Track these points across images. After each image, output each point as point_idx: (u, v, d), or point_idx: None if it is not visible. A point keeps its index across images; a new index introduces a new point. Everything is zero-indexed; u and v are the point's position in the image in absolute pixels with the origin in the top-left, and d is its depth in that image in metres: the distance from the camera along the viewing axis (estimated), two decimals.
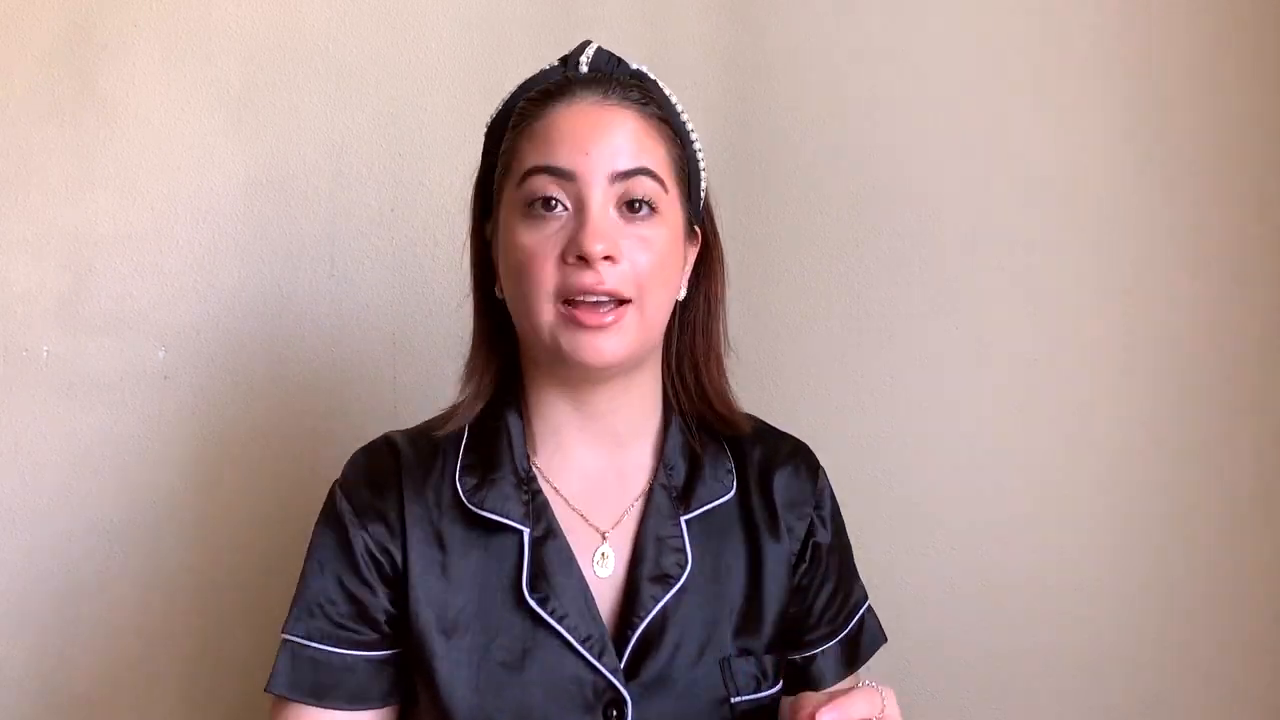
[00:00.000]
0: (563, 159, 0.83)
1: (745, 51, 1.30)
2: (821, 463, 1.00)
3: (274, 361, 1.30)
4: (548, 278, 0.82)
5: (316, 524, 0.90)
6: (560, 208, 0.83)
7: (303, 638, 0.87)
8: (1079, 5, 1.28)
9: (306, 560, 0.89)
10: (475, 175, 0.93)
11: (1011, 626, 1.28)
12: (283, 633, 0.87)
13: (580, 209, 0.82)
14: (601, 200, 0.82)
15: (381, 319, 1.31)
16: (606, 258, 0.81)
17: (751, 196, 1.30)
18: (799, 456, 0.97)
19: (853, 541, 1.04)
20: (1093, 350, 1.28)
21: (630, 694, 0.84)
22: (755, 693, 0.88)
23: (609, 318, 0.82)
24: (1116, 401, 1.28)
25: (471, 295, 0.94)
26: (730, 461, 0.94)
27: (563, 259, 0.82)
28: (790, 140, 1.30)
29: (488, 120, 0.92)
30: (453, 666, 0.84)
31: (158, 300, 1.29)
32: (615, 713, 0.84)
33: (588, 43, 0.89)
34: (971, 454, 1.29)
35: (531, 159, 0.84)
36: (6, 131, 1.29)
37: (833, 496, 0.98)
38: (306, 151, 1.30)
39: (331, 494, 0.90)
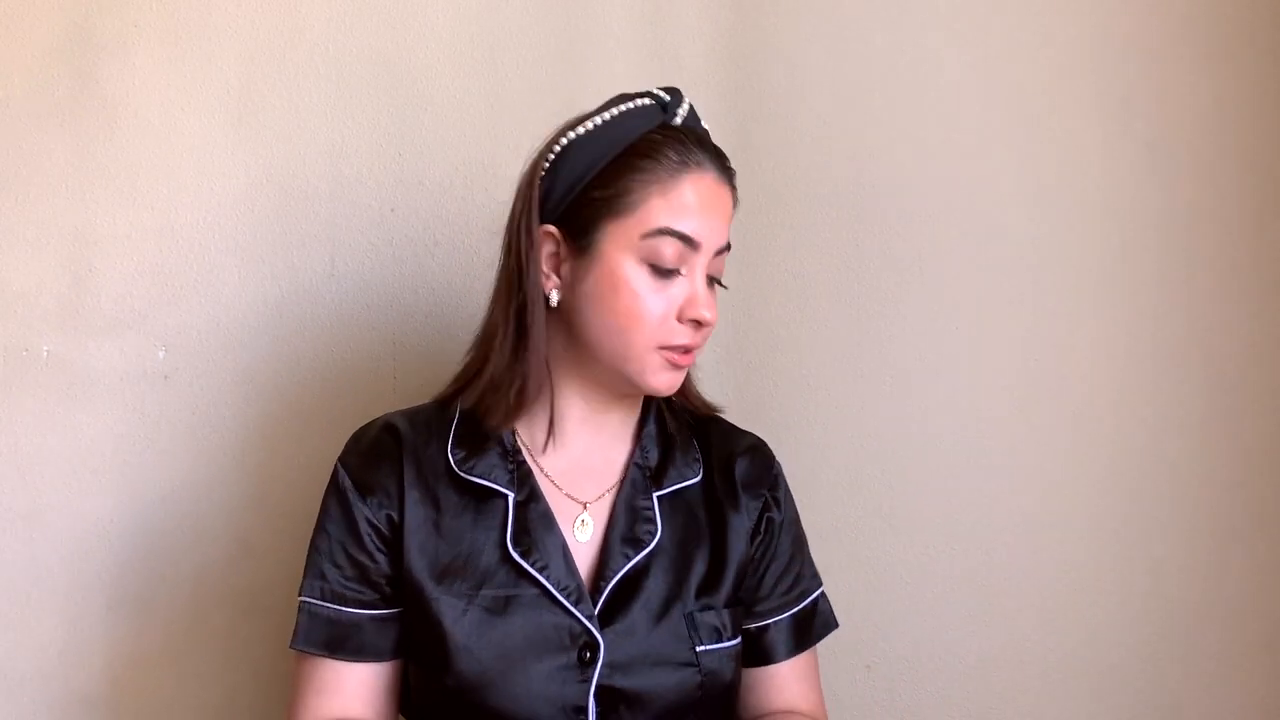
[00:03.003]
0: (693, 229, 0.93)
1: (746, 53, 1.30)
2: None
3: (274, 361, 1.30)
4: (658, 328, 0.93)
5: (324, 497, 1.00)
6: (680, 273, 0.94)
7: (316, 599, 0.97)
8: (1079, 6, 1.28)
9: (315, 531, 0.99)
10: (540, 175, 0.96)
11: (1012, 627, 1.28)
12: (299, 596, 0.98)
13: (695, 277, 0.94)
14: (706, 270, 0.95)
15: (381, 319, 1.31)
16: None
17: (751, 197, 1.29)
18: (758, 448, 1.08)
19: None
20: (1093, 350, 1.28)
21: (604, 638, 0.93)
22: (716, 643, 0.97)
23: (688, 358, 0.96)
24: (1117, 402, 1.28)
25: (506, 287, 0.97)
26: (698, 451, 1.04)
27: (677, 318, 0.94)
28: (790, 141, 1.30)
29: (573, 135, 0.95)
30: (445, 608, 0.93)
31: (158, 300, 1.30)
32: (589, 654, 0.93)
33: (679, 94, 0.98)
34: (971, 454, 1.29)
35: (665, 218, 0.92)
36: (6, 131, 1.29)
37: (786, 485, 1.08)
38: (306, 151, 1.30)
39: (335, 470, 1.00)
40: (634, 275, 0.93)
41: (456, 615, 0.93)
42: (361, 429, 1.03)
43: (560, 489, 0.99)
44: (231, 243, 1.30)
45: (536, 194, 0.97)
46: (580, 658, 0.93)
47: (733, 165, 1.00)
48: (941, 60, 1.29)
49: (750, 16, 1.30)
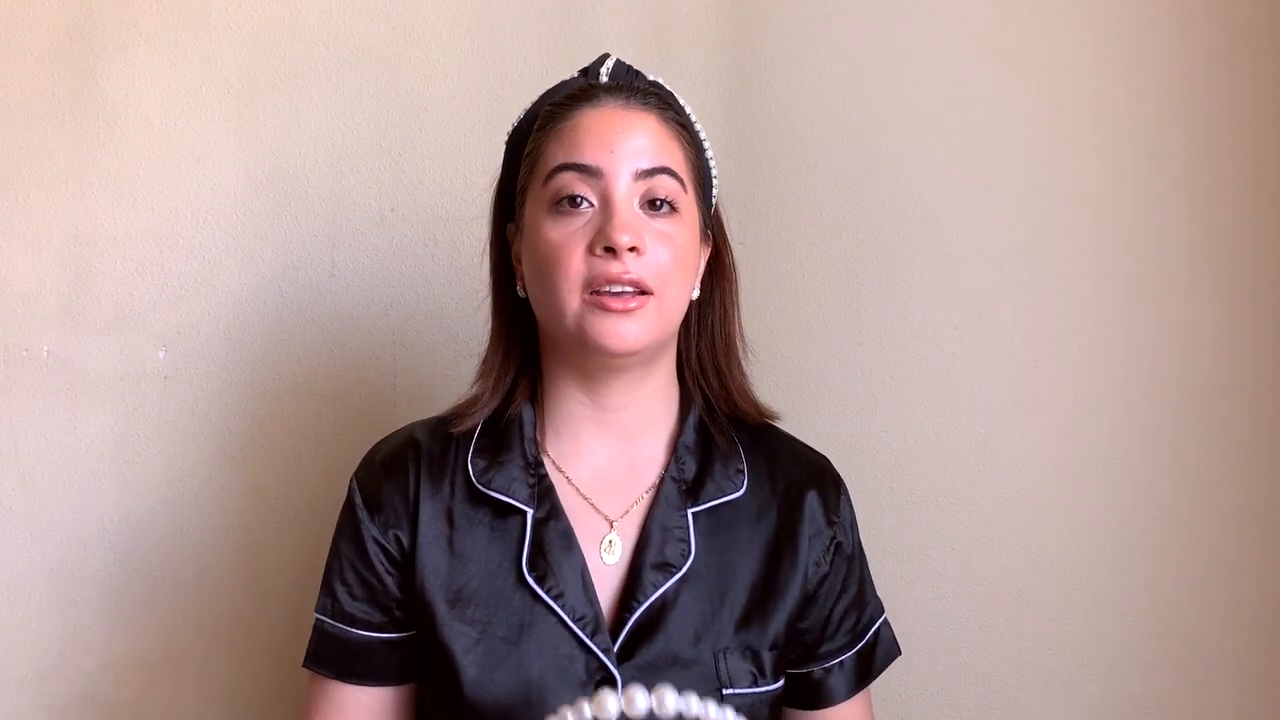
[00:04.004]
0: (589, 156, 0.87)
1: (746, 54, 1.30)
2: None
3: (274, 361, 1.30)
4: (575, 269, 0.86)
5: (337, 524, 0.96)
6: (586, 204, 0.87)
7: (327, 617, 0.93)
8: (1081, 6, 1.28)
9: (331, 546, 0.95)
10: (495, 182, 0.98)
11: (1013, 627, 1.28)
12: (314, 611, 0.94)
13: (606, 204, 0.87)
14: (626, 195, 0.87)
15: (381, 319, 1.31)
16: (632, 249, 0.85)
17: (751, 198, 1.30)
18: (826, 471, 1.00)
19: None
20: (1095, 349, 1.28)
21: (622, 675, 0.86)
22: (750, 687, 0.89)
23: (632, 304, 0.86)
24: (1118, 403, 1.28)
25: (491, 295, 0.99)
26: (742, 462, 0.96)
27: (590, 251, 0.86)
28: (791, 141, 1.30)
29: (508, 130, 0.96)
30: (456, 636, 0.88)
31: (158, 300, 1.29)
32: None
33: (607, 55, 0.95)
34: (973, 455, 1.29)
35: (559, 157, 0.88)
36: (6, 131, 1.29)
37: (851, 506, 1.01)
38: (306, 151, 1.30)
39: (349, 485, 0.95)
40: (545, 223, 0.88)
41: (469, 645, 0.87)
42: (381, 441, 0.98)
43: (587, 500, 0.93)
44: (231, 243, 1.30)
45: (494, 197, 0.98)
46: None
47: (668, 91, 0.94)
48: (943, 60, 1.29)
49: (750, 16, 1.30)
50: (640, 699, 0.62)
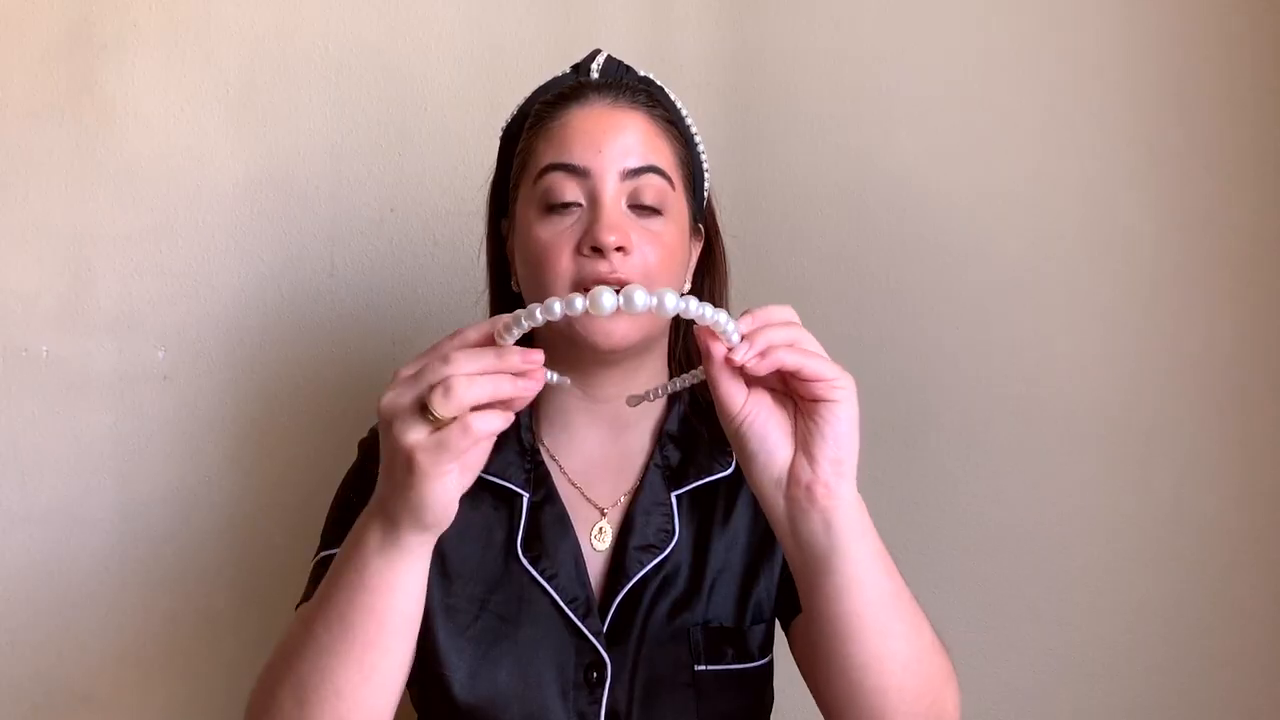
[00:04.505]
0: (577, 157, 0.88)
1: (745, 53, 1.30)
2: None
3: (274, 362, 1.30)
4: (564, 268, 0.87)
5: (344, 479, 0.96)
6: (574, 204, 0.88)
7: (335, 549, 0.90)
8: (1083, 7, 1.28)
9: (334, 502, 0.94)
10: (490, 178, 0.99)
11: (1012, 629, 1.28)
12: (314, 559, 0.91)
13: (594, 204, 0.87)
14: (613, 195, 0.88)
15: (381, 319, 1.31)
16: (619, 249, 0.86)
17: (750, 198, 1.30)
18: None
19: None
20: (1095, 349, 1.28)
21: (611, 658, 0.88)
22: (732, 663, 0.91)
23: None
24: (1118, 403, 1.28)
25: (488, 289, 1.00)
26: (730, 446, 0.96)
27: (578, 250, 0.87)
28: (789, 141, 1.30)
29: (502, 127, 0.97)
30: (448, 611, 0.89)
31: (158, 300, 1.30)
32: (595, 675, 0.88)
33: (598, 51, 0.96)
34: (972, 456, 1.29)
35: (548, 157, 0.89)
36: (6, 131, 1.29)
37: None
38: (306, 151, 1.30)
39: (359, 449, 0.96)
40: (535, 223, 0.88)
41: (468, 623, 0.89)
42: None
43: (579, 488, 0.94)
44: (231, 243, 1.30)
45: (489, 193, 0.99)
46: (587, 678, 0.88)
47: (659, 86, 0.94)
48: (942, 59, 1.29)
49: (750, 16, 1.30)
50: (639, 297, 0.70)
